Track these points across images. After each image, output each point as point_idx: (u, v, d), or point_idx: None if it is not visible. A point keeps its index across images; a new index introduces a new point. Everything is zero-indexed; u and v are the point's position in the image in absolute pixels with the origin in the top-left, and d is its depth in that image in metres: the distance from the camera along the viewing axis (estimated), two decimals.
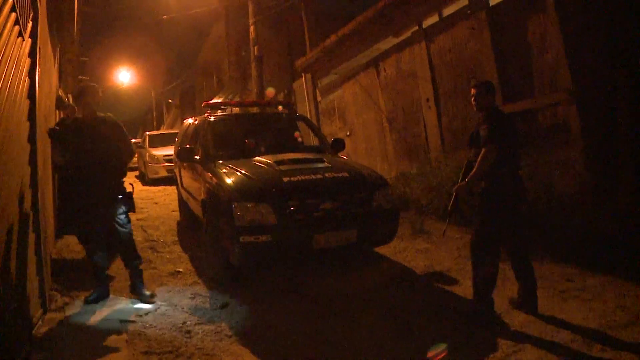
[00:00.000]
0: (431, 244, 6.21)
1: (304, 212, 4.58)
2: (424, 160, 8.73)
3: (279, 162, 5.15)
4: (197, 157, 6.05)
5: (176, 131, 20.75)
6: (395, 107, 9.82)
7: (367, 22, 10.39)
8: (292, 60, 15.47)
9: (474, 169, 3.81)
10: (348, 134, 11.51)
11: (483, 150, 3.74)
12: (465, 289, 4.57)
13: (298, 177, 4.82)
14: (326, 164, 5.29)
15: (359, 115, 11.28)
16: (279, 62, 16.80)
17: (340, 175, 5.01)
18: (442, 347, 3.37)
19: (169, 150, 14.20)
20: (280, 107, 7.47)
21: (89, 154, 4.38)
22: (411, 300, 4.45)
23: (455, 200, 4.12)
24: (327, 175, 4.95)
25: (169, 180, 13.67)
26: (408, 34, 9.53)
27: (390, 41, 10.18)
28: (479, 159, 3.76)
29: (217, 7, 19.36)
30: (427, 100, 8.75)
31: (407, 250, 6.03)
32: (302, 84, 13.87)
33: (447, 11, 8.73)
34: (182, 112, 33.80)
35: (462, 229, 6.36)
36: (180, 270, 5.54)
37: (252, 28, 13.20)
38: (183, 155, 5.97)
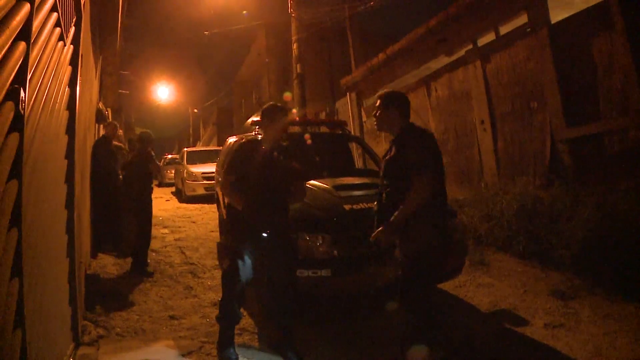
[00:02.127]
0: (493, 278, 5.66)
1: (367, 245, 4.07)
2: (478, 185, 8.19)
3: (338, 188, 4.69)
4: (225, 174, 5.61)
5: (215, 148, 20.76)
6: (446, 129, 9.32)
7: (418, 40, 10.02)
8: (333, 78, 15.22)
9: (403, 206, 3.03)
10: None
11: (415, 180, 2.99)
12: (536, 330, 4.08)
13: (360, 204, 4.34)
14: None
15: None
16: (319, 80, 16.53)
17: None
18: None
19: (208, 168, 14.01)
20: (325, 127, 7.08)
21: None
22: (482, 344, 3.89)
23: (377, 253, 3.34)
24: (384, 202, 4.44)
25: (206, 199, 13.43)
26: (462, 52, 9.10)
27: (442, 60, 9.76)
28: (411, 192, 2.99)
29: (258, 24, 19.29)
30: (482, 122, 8.24)
31: (467, 285, 5.49)
32: (346, 103, 13.53)
33: (505, 29, 8.25)
34: (219, 130, 33.96)
35: (523, 262, 5.87)
36: None
37: (294, 45, 12.95)
38: None
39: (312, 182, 5.00)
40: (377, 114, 3.45)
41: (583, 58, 6.31)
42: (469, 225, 7.24)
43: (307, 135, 7.06)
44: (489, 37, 8.63)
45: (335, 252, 3.99)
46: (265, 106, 3.97)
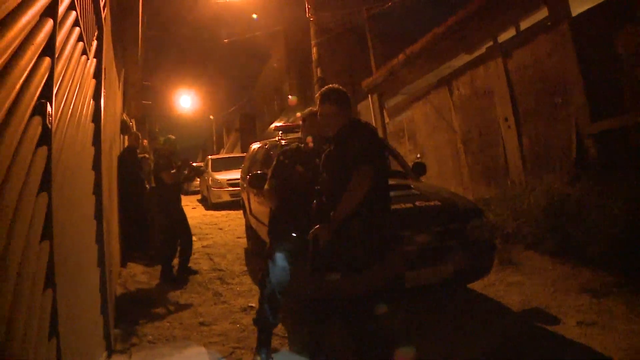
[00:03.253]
0: (523, 276, 5.56)
1: (396, 246, 4.04)
2: (503, 183, 8.08)
3: None
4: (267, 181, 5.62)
5: (238, 155, 20.87)
6: (470, 128, 9.21)
7: (438, 39, 9.94)
8: (354, 81, 15.16)
9: (343, 201, 2.85)
10: (418, 156, 10.96)
11: (354, 173, 2.83)
12: (568, 328, 3.99)
13: None
14: (414, 191, 4.77)
15: (430, 136, 10.72)
16: (340, 83, 16.40)
17: (432, 204, 4.48)
18: None
19: (232, 174, 14.09)
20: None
21: None
22: (514, 344, 3.82)
23: (315, 250, 3.00)
24: (417, 204, 4.42)
25: (232, 205, 13.51)
26: (482, 49, 9.00)
27: (463, 58, 9.65)
28: (350, 185, 2.82)
29: (277, 30, 19.37)
30: (506, 119, 8.13)
31: (497, 284, 5.41)
32: (368, 105, 13.49)
33: (525, 24, 8.13)
34: (243, 136, 34.13)
35: (553, 259, 5.74)
36: (253, 305, 5.05)
37: (314, 50, 12.97)
38: (254, 182, 5.63)
39: None
40: (318, 113, 3.34)
41: (606, 50, 6.16)
42: (497, 224, 7.15)
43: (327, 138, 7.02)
44: (510, 33, 8.53)
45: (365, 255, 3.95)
46: (305, 111, 3.98)
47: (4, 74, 1.33)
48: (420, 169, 6.00)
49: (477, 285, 5.26)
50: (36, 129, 1.70)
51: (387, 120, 12.92)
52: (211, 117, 42.46)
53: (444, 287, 4.40)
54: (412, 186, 4.97)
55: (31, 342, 1.49)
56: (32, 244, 1.58)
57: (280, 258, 3.63)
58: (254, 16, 15.71)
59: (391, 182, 5.13)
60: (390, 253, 3.07)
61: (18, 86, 1.45)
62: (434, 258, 4.16)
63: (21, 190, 1.46)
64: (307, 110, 3.85)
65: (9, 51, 1.35)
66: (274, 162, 4.01)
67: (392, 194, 4.57)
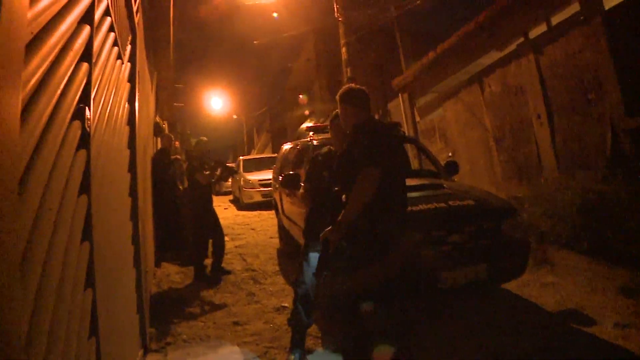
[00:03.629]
0: (557, 277, 5.44)
1: (429, 246, 4.03)
2: (536, 181, 7.92)
3: None
4: (302, 183, 5.65)
5: (270, 155, 21.01)
6: (502, 125, 9.07)
7: (468, 36, 9.81)
8: (384, 80, 15.09)
9: (348, 203, 2.85)
10: (450, 155, 10.84)
11: (359, 175, 2.81)
12: (605, 330, 3.89)
13: (420, 206, 4.28)
14: (447, 191, 4.73)
15: (461, 134, 10.60)
16: (370, 82, 16.39)
17: (465, 203, 4.41)
18: None
19: (264, 175, 14.19)
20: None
21: None
22: (550, 346, 3.74)
23: (325, 253, 3.02)
24: (451, 203, 4.37)
25: (264, 205, 13.59)
26: (513, 46, 8.85)
27: (494, 55, 9.51)
28: (354, 190, 2.81)
29: (306, 30, 19.39)
30: (539, 116, 7.97)
31: (531, 284, 5.30)
32: (398, 104, 13.40)
33: (556, 19, 7.96)
34: (273, 137, 34.30)
35: (589, 259, 5.62)
36: (286, 305, 5.10)
37: (343, 49, 12.94)
38: (287, 182, 5.65)
39: None
40: (340, 113, 3.37)
41: None
42: (531, 223, 7.02)
43: None
44: (541, 28, 8.36)
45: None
46: (332, 113, 4.01)
47: (46, 80, 1.36)
48: (452, 167, 5.94)
49: (511, 286, 5.17)
50: (76, 133, 1.74)
51: (418, 118, 12.82)
52: (234, 116, 42.71)
53: (478, 288, 4.32)
54: (444, 185, 4.92)
55: (73, 342, 1.53)
56: (74, 245, 1.62)
57: (314, 258, 3.64)
58: (275, 15, 15.76)
59: (423, 181, 5.15)
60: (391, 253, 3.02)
61: (59, 91, 1.48)
62: (468, 258, 4.10)
63: (63, 193, 1.50)
64: (334, 113, 3.87)
65: (50, 57, 1.38)
66: (308, 166, 4.05)
67: (424, 193, 4.58)
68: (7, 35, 0.93)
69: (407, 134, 12.44)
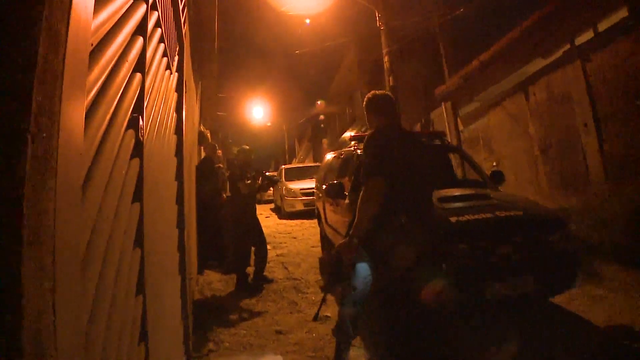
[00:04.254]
0: (607, 291, 5.26)
1: (476, 257, 3.95)
2: (584, 192, 7.68)
3: (442, 199, 4.60)
4: (347, 194, 5.69)
5: (311, 164, 21.09)
6: (548, 134, 8.84)
7: (512, 44, 9.62)
8: (427, 88, 14.97)
9: (356, 217, 2.82)
10: (494, 164, 10.64)
11: (363, 187, 2.79)
12: None
13: (466, 216, 4.22)
14: (494, 201, 4.64)
15: (506, 144, 10.39)
16: (412, 91, 16.32)
17: (512, 213, 4.33)
18: None
19: (306, 184, 14.26)
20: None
21: None
22: None
23: (337, 266, 3.03)
24: (498, 214, 4.28)
25: (305, 214, 13.63)
26: (559, 53, 8.61)
27: (539, 63, 9.29)
28: (359, 202, 2.79)
29: (348, 39, 19.43)
30: (585, 125, 7.73)
31: (580, 298, 5.13)
32: (441, 113, 13.26)
33: (603, 25, 7.72)
34: (314, 146, 34.43)
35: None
36: (329, 315, 5.09)
37: (386, 58, 12.88)
38: (332, 192, 5.66)
39: None
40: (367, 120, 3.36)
41: None
42: (579, 235, 6.82)
43: None
44: (587, 35, 8.13)
45: (444, 265, 3.89)
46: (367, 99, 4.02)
47: (104, 90, 1.40)
48: (498, 177, 5.85)
49: (559, 299, 5.02)
50: (130, 142, 1.78)
51: (461, 127, 12.64)
52: (268, 123, 43.06)
53: (525, 300, 4.21)
54: (491, 195, 4.83)
55: (124, 348, 1.55)
56: (127, 251, 1.65)
57: (362, 268, 3.62)
58: (307, 21, 15.84)
59: (469, 191, 5.07)
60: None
61: (116, 101, 1.52)
62: (516, 270, 4.01)
63: (119, 199, 1.53)
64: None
65: (108, 69, 1.42)
66: (354, 175, 4.06)
67: (470, 203, 4.51)
68: (75, 44, 0.96)
69: (450, 143, 12.31)
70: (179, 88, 3.96)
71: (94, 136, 1.23)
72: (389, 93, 3.56)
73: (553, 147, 8.71)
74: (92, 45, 1.23)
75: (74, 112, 0.96)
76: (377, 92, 3.52)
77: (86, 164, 1.17)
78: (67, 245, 0.89)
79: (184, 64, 4.23)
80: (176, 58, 3.87)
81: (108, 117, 1.40)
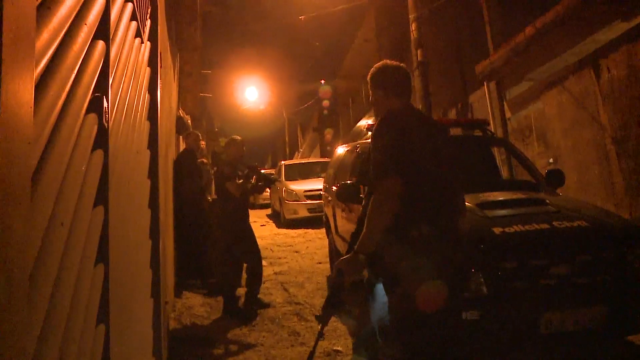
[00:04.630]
0: None
1: (527, 279, 3.90)
2: None
3: (484, 205, 4.54)
4: (363, 197, 5.62)
5: (318, 160, 21.09)
6: (626, 122, 8.72)
7: (579, 4, 9.49)
8: (464, 66, 14.88)
9: (365, 227, 2.74)
10: (551, 161, 10.56)
11: (374, 190, 2.72)
12: None
13: (515, 227, 4.16)
14: (551, 207, 4.57)
15: (567, 135, 10.29)
16: (446, 68, 16.24)
17: (575, 224, 4.23)
18: None
19: (311, 185, 14.28)
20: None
21: None
22: None
23: (335, 288, 2.95)
24: (556, 224, 4.21)
25: (310, 222, 13.62)
26: None
27: (617, 28, 9.15)
28: (369, 209, 2.72)
29: (365, 3, 19.39)
30: None
31: None
32: (483, 96, 13.16)
33: None
34: (322, 136, 34.42)
35: None
36: (339, 349, 5.08)
37: (413, 26, 12.79)
38: (344, 195, 5.63)
39: None
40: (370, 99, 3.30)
41: None
42: None
43: None
44: None
45: (485, 289, 3.85)
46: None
47: (56, 62, 1.37)
48: (556, 178, 5.78)
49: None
50: (92, 129, 1.76)
51: (508, 114, 12.56)
52: (263, 107, 42.99)
53: (593, 337, 4.11)
54: (547, 201, 4.77)
55: None
56: (87, 269, 1.63)
57: (382, 290, 3.60)
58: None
59: (518, 195, 5.02)
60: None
61: (72, 76, 1.50)
62: (580, 297, 3.93)
63: (77, 204, 1.51)
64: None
65: (62, 33, 1.39)
66: (358, 174, 4.00)
67: (520, 210, 4.46)
68: None
69: (494, 133, 12.24)
70: (153, 61, 3.94)
71: (45, 120, 1.21)
72: (403, 66, 3.45)
73: (632, 138, 8.60)
74: None
75: (19, 85, 0.92)
76: (388, 62, 3.44)
77: (36, 154, 1.14)
78: (9, 259, 0.87)
79: (158, 31, 4.20)
80: (148, 23, 3.84)
81: (64, 95, 1.38)
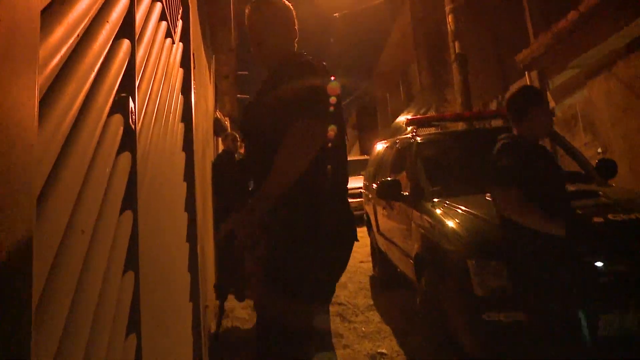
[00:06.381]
0: None
1: (581, 277, 3.73)
2: None
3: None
4: (405, 194, 5.59)
5: (357, 157, 20.99)
6: None
7: None
8: (502, 56, 14.63)
9: (272, 173, 2.24)
10: (600, 151, 10.28)
11: (293, 126, 2.21)
12: None
13: None
14: (603, 199, 4.40)
15: (616, 124, 9.99)
16: (485, 60, 16.00)
17: (633, 216, 4.01)
18: None
19: (352, 183, 14.10)
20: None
21: None
22: None
23: (228, 251, 2.55)
24: (611, 217, 4.00)
25: None
26: None
27: None
28: (284, 144, 2.21)
29: None
30: None
31: None
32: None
33: None
34: (361, 133, 34.33)
35: None
36: (384, 351, 4.97)
37: (449, 18, 12.62)
38: (384, 192, 5.54)
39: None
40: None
41: None
42: None
43: (474, 134, 6.79)
44: None
45: (532, 287, 3.66)
46: (510, 94, 3.88)
47: (75, 62, 1.31)
48: (607, 168, 5.56)
49: None
50: (117, 131, 1.70)
51: (552, 104, 12.30)
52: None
53: None
54: (600, 193, 4.58)
55: None
56: (114, 276, 1.56)
57: None
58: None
59: (570, 187, 4.83)
60: None
61: (92, 76, 1.44)
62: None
63: (100, 209, 1.45)
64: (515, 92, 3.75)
65: (78, 31, 1.33)
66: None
67: (573, 204, 4.27)
68: None
69: None
70: (185, 62, 3.91)
71: (56, 126, 1.14)
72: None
73: None
74: None
75: (17, 93, 0.85)
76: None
77: (45, 165, 1.07)
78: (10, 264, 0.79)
79: (191, 32, 4.17)
80: (179, 23, 3.80)
81: (81, 96, 1.32)
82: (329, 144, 2.41)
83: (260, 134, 2.53)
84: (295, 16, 2.85)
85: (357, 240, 2.54)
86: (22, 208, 0.84)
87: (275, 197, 2.23)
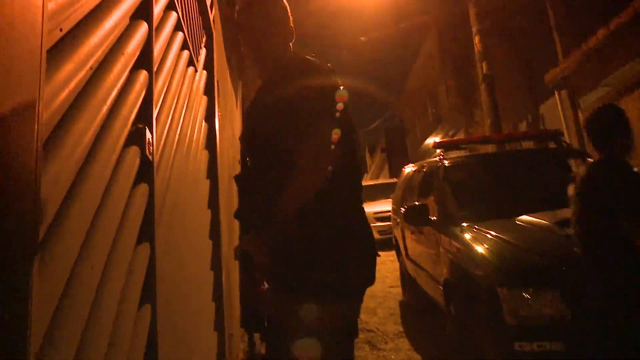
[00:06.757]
0: None
1: (618, 303, 3.62)
2: None
3: (564, 223, 4.29)
4: (433, 218, 5.52)
5: (387, 181, 20.91)
6: None
7: None
8: (532, 76, 14.52)
9: (287, 191, 2.05)
10: (636, 170, 10.09)
11: (308, 136, 2.04)
12: None
13: None
14: None
15: None
16: (513, 80, 15.89)
17: None
18: None
19: (381, 206, 14.17)
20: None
21: None
22: None
23: (248, 275, 2.33)
24: None
25: (381, 244, 13.43)
26: None
27: None
28: (305, 151, 2.01)
29: (426, 20, 19.25)
30: None
31: None
32: (555, 105, 12.79)
33: None
34: (390, 156, 34.27)
35: None
36: None
37: (476, 39, 12.62)
38: (412, 217, 5.47)
39: (522, 217, 4.66)
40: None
41: None
42: None
43: (504, 156, 6.70)
44: None
45: (569, 313, 3.59)
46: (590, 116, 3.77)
47: (88, 93, 1.31)
48: None
49: None
50: (133, 162, 1.70)
51: (583, 123, 12.13)
52: (359, 138, 43.34)
53: None
54: None
55: None
56: (128, 311, 1.54)
57: None
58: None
59: None
60: None
61: (105, 108, 1.43)
62: None
63: (114, 241, 1.43)
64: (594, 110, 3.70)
65: (91, 63, 1.33)
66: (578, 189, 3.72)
67: None
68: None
69: (570, 144, 11.82)
70: (209, 90, 3.93)
71: (64, 161, 1.12)
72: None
73: None
74: (60, 30, 1.14)
75: (16, 131, 0.84)
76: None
77: (48, 208, 1.04)
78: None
79: (215, 59, 4.20)
80: (202, 52, 3.83)
81: (92, 130, 1.31)
82: (332, 146, 2.23)
83: (266, 143, 2.28)
84: (290, 13, 2.66)
85: (378, 256, 2.40)
86: (19, 259, 0.83)
87: (289, 217, 2.07)
